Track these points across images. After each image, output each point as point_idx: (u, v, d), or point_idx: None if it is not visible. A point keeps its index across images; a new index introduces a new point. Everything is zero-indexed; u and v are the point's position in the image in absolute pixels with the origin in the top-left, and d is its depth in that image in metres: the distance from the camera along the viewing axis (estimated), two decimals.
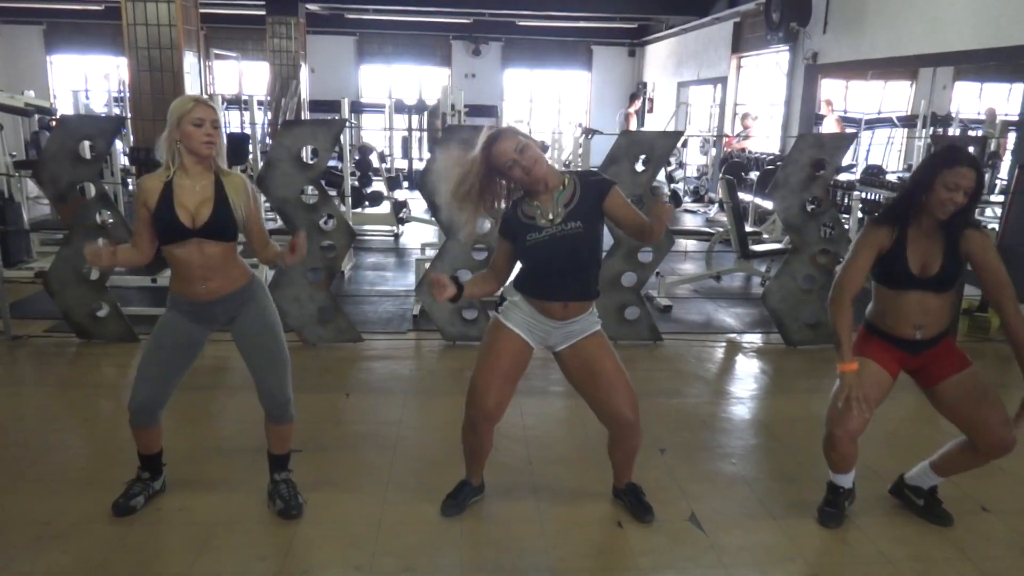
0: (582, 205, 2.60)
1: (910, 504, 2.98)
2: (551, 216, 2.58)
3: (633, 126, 15.23)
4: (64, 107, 11.23)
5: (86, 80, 15.88)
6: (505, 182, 2.63)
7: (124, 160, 8.53)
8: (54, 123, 7.83)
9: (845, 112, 9.69)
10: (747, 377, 4.68)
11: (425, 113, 11.75)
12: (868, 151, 9.34)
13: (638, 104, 15.81)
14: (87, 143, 4.56)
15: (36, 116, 8.86)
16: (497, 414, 2.74)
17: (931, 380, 2.76)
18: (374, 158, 9.30)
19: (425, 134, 12.11)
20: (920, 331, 2.69)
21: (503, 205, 2.68)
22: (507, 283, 2.79)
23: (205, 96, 2.71)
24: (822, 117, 9.58)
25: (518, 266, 2.75)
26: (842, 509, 2.91)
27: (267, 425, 2.87)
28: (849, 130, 8.86)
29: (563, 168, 2.80)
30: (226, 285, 2.70)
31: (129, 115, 7.61)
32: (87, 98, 10.32)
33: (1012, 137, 7.03)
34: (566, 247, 2.59)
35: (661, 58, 16.07)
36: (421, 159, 11.87)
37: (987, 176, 6.32)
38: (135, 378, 2.76)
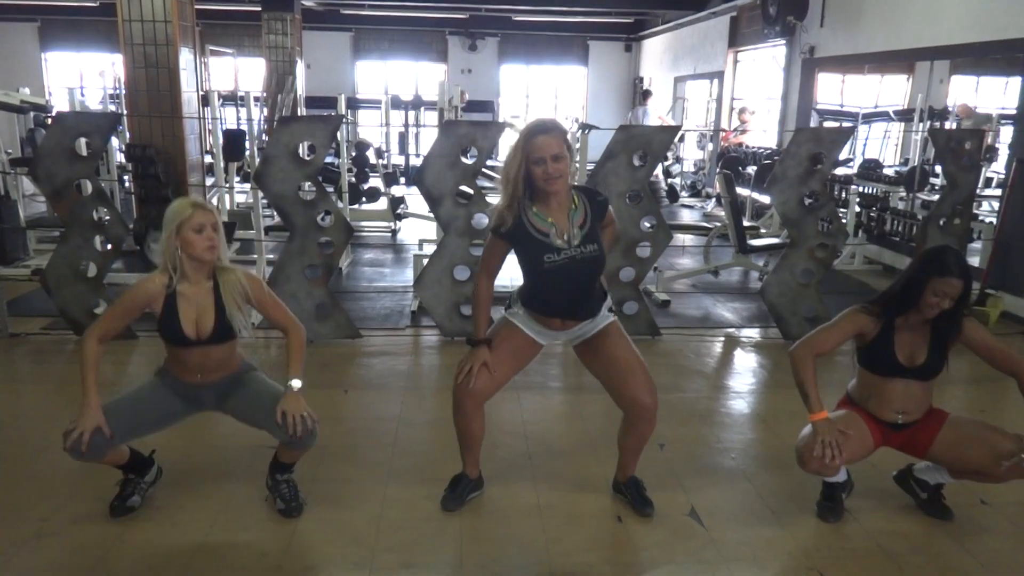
0: (594, 226, 2.63)
1: (912, 494, 2.99)
2: (566, 237, 2.58)
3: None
4: (60, 104, 11.19)
5: (81, 77, 15.83)
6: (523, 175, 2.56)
7: (120, 157, 8.50)
8: (50, 120, 7.80)
9: (841, 106, 9.68)
10: (745, 372, 4.68)
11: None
12: (865, 145, 9.34)
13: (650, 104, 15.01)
14: (83, 140, 4.55)
15: (32, 113, 8.84)
16: (479, 395, 2.74)
17: (920, 449, 2.82)
18: (371, 154, 9.27)
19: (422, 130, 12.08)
20: (902, 416, 2.77)
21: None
22: (516, 291, 2.81)
23: (201, 200, 2.68)
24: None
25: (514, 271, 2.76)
26: (839, 502, 2.92)
27: (282, 448, 2.81)
28: (846, 124, 8.87)
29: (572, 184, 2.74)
30: (221, 373, 2.77)
31: (125, 112, 7.59)
32: (83, 95, 10.27)
33: (1005, 131, 7.04)
34: (584, 271, 2.62)
35: (658, 53, 16.04)
36: (418, 155, 11.85)
37: (982, 170, 6.32)
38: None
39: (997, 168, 7.36)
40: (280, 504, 2.84)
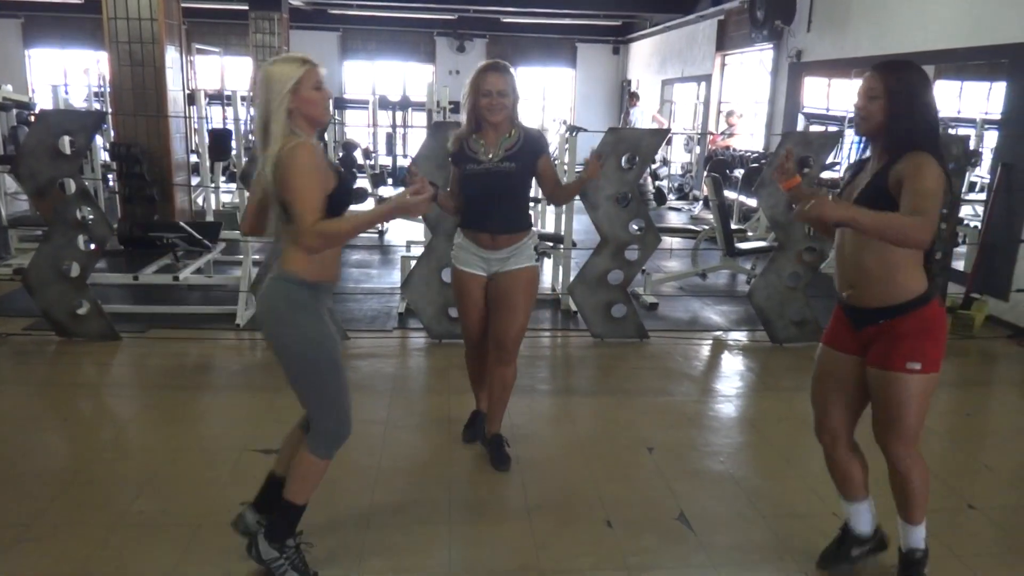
0: (521, 153, 3.03)
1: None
2: (491, 155, 3.01)
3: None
4: (43, 102, 11.08)
5: (65, 75, 15.68)
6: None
7: (105, 156, 8.42)
8: (33, 118, 7.72)
9: (827, 110, 9.73)
10: (733, 375, 4.69)
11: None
12: (851, 149, 9.39)
13: (637, 104, 15.24)
14: (67, 138, 4.48)
15: (14, 111, 8.73)
16: (473, 335, 3.25)
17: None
18: (359, 155, 9.23)
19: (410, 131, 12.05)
20: (848, 293, 2.31)
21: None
22: (457, 230, 3.18)
23: (305, 54, 2.24)
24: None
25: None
26: (844, 557, 2.54)
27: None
28: (832, 128, 8.92)
29: (522, 124, 2.95)
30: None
31: (110, 110, 7.52)
32: (66, 92, 10.17)
33: (989, 136, 7.09)
34: (496, 181, 3.00)
35: (645, 56, 16.08)
36: (405, 156, 11.81)
37: (967, 174, 6.36)
38: (342, 410, 2.35)
39: (981, 173, 7.42)
40: None
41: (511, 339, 3.12)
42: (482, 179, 3.01)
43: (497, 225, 3.05)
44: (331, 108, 2.46)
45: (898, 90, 2.17)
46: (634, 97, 14.20)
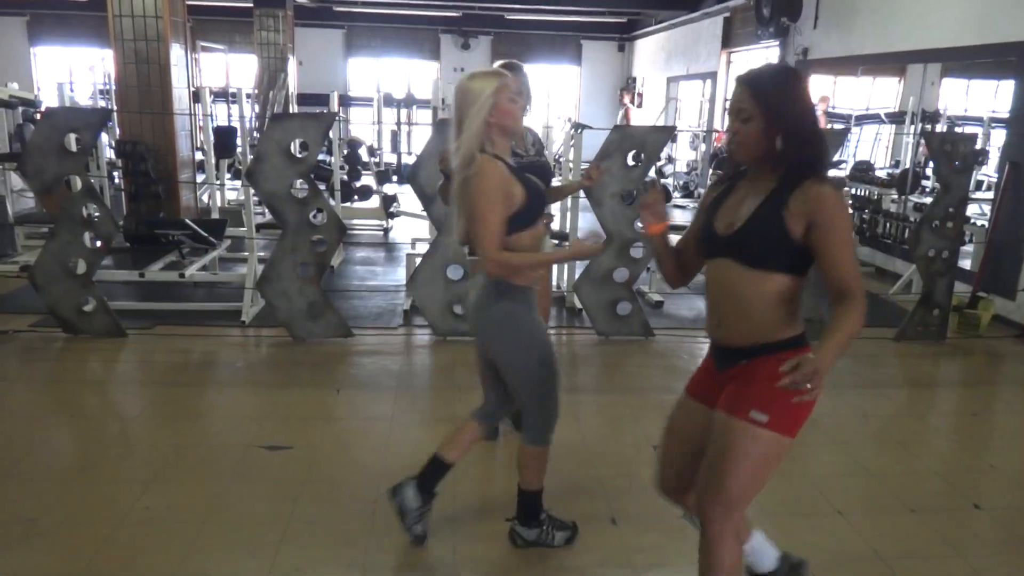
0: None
1: None
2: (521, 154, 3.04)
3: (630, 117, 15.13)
4: (49, 99, 11.09)
5: (71, 72, 15.70)
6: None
7: (110, 153, 8.43)
8: (39, 116, 7.73)
9: (833, 108, 9.70)
10: None
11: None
12: (857, 147, 9.36)
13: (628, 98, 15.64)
14: (73, 136, 4.49)
15: (20, 108, 8.75)
16: None
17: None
18: (363, 152, 9.24)
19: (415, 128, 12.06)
20: (719, 328, 1.98)
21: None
22: None
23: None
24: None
25: None
26: None
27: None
28: (838, 126, 8.89)
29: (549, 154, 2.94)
30: None
31: (115, 108, 7.53)
32: (72, 90, 10.18)
33: (996, 134, 7.06)
34: (545, 173, 3.09)
35: (651, 53, 16.05)
36: (410, 153, 11.82)
37: (974, 173, 6.34)
38: (553, 399, 2.48)
39: (988, 171, 7.39)
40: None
41: None
42: (536, 175, 2.71)
43: None
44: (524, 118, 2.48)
45: (777, 106, 1.81)
46: (626, 92, 14.14)
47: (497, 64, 2.99)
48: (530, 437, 2.50)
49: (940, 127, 7.70)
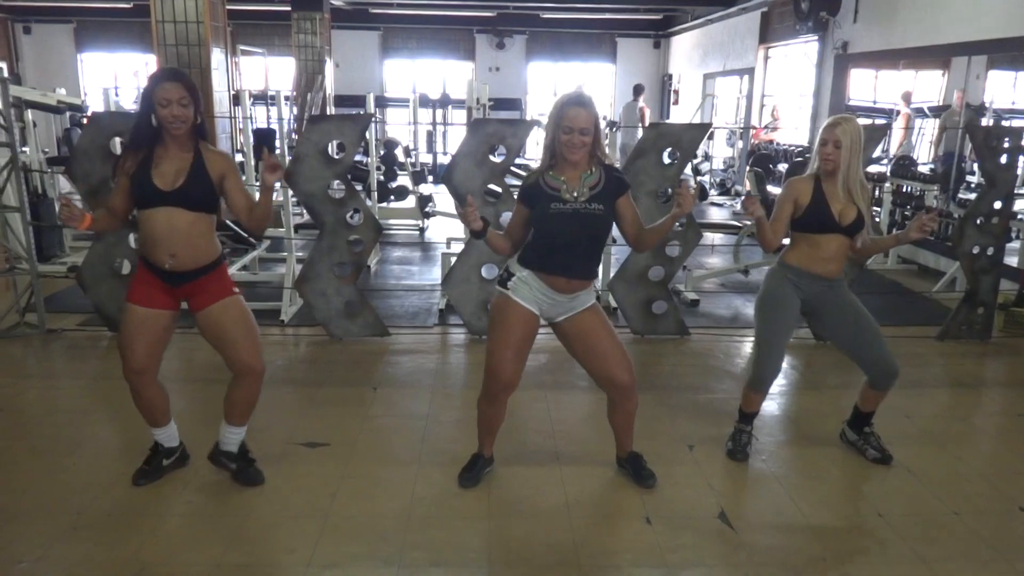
0: (605, 192, 2.80)
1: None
2: (576, 193, 2.76)
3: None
4: (95, 104, 11.38)
5: (116, 77, 16.09)
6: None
7: None
8: (85, 120, 7.93)
9: (875, 103, 9.52)
10: None
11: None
12: (912, 142, 9.16)
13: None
14: (118, 139, 4.61)
15: (68, 113, 8.98)
16: (515, 383, 2.90)
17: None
18: (399, 152, 9.31)
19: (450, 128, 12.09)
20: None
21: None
22: (513, 259, 2.90)
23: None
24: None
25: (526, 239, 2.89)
26: (157, 468, 3.06)
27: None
28: (879, 121, 8.72)
29: (603, 161, 2.88)
30: None
31: None
32: (117, 95, 10.43)
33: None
34: (585, 224, 2.76)
35: (687, 49, 15.91)
36: (446, 153, 11.88)
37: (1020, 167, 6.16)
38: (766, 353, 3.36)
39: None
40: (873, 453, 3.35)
41: (629, 371, 2.92)
42: (569, 220, 2.73)
43: (578, 270, 2.80)
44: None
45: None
46: (638, 91, 13.82)
47: (564, 96, 2.79)
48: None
49: (986, 120, 7.52)
